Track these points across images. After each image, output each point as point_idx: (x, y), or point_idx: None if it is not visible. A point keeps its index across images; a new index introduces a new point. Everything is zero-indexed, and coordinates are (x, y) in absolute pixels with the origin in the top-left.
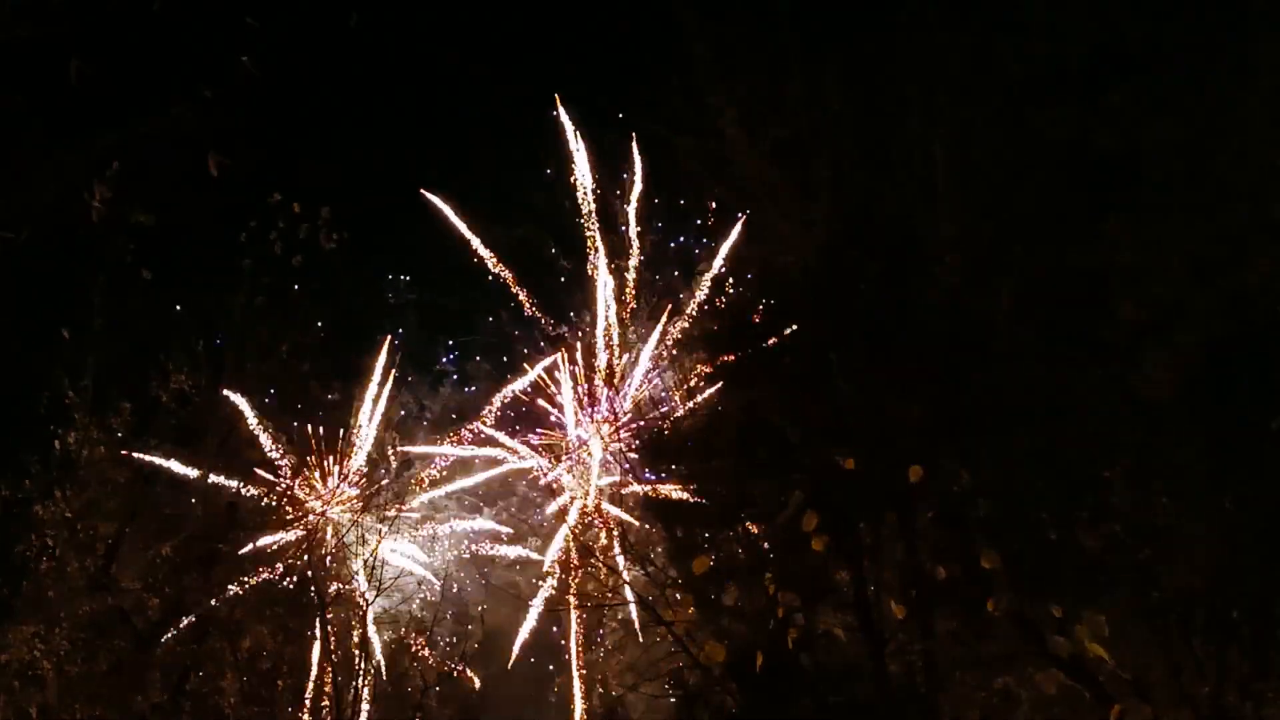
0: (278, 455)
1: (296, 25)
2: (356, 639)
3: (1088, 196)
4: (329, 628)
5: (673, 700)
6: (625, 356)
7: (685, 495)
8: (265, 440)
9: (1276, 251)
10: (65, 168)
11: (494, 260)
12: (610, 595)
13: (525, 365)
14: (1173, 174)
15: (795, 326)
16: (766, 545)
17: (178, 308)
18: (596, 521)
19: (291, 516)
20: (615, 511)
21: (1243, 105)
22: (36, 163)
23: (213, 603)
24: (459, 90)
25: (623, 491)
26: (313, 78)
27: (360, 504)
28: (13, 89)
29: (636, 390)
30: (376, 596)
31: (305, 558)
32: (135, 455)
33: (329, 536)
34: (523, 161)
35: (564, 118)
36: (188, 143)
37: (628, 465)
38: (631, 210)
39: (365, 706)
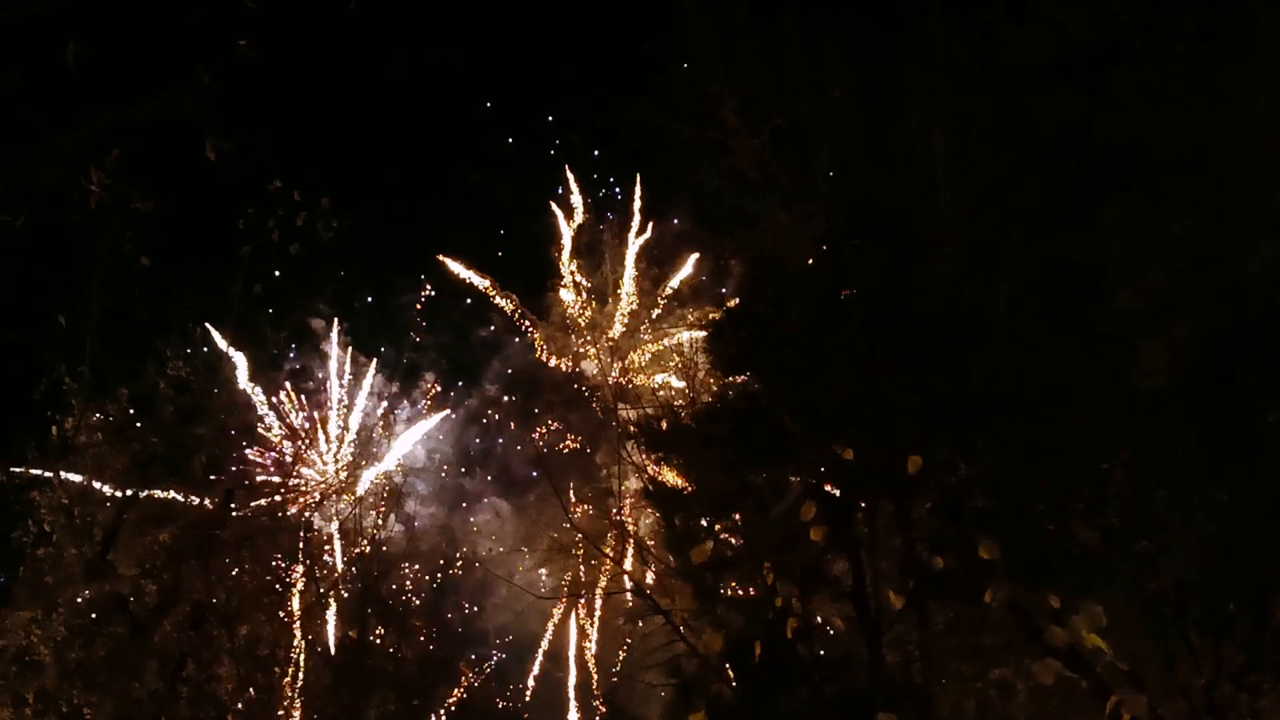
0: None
1: (295, 7)
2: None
3: (1087, 186)
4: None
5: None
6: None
7: (684, 484)
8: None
9: (1275, 242)
10: (63, 153)
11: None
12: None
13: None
14: (1172, 164)
15: (794, 316)
16: (765, 535)
17: (175, 294)
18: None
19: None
20: None
21: (1243, 95)
22: (34, 147)
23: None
24: (457, 77)
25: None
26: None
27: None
28: (10, 71)
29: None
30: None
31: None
32: (132, 441)
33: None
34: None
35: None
36: (186, 128)
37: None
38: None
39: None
